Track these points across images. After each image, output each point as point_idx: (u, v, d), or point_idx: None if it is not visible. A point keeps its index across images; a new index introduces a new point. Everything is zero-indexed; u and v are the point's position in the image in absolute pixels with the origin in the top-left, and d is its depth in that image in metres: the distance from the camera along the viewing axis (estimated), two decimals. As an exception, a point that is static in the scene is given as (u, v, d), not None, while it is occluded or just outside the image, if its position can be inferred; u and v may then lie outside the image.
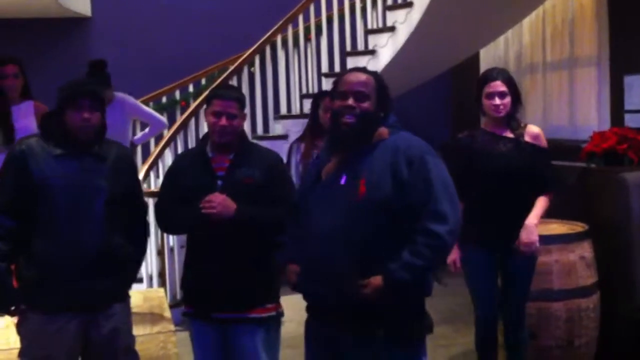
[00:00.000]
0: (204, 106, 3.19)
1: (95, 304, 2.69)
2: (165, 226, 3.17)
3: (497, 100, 3.50)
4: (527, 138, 3.57)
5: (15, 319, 2.78)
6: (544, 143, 3.63)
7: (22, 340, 2.75)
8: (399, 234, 2.34)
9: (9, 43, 7.15)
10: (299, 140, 4.27)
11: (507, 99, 3.52)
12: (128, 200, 2.79)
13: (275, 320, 3.00)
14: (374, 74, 2.58)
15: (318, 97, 4.33)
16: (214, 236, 2.87)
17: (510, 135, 3.58)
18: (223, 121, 2.87)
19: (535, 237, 3.51)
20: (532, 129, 3.62)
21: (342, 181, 2.44)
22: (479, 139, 3.61)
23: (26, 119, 4.35)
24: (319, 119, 4.27)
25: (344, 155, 2.49)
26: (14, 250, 2.63)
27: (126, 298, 2.87)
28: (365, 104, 2.46)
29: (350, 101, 2.46)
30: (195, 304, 2.99)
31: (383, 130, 2.50)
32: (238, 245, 2.86)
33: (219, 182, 2.89)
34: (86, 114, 2.66)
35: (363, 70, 2.59)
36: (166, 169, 6.00)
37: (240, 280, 2.86)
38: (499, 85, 3.51)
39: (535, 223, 3.52)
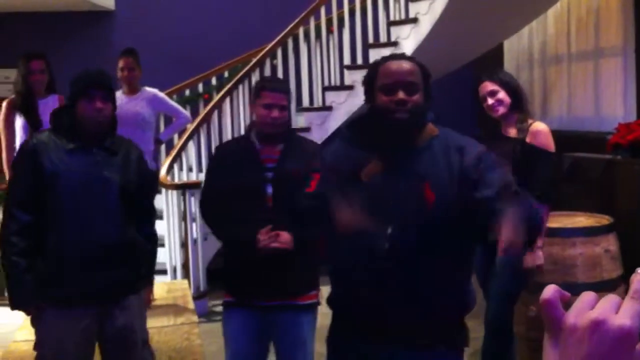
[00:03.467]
0: (251, 97, 3.11)
1: (110, 295, 2.70)
2: (212, 228, 3.12)
3: (489, 100, 3.48)
4: (529, 137, 3.45)
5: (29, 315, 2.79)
6: (545, 142, 3.45)
7: (37, 333, 2.75)
8: (471, 243, 2.22)
9: (33, 36, 7.22)
10: None
11: (500, 95, 3.46)
12: (141, 196, 2.80)
13: (316, 309, 3.02)
14: (415, 60, 2.27)
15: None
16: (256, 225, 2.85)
17: (513, 133, 3.48)
18: (275, 113, 2.86)
19: (540, 262, 3.44)
20: (536, 126, 3.48)
21: (403, 185, 2.13)
22: (482, 140, 3.53)
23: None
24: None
25: (393, 155, 2.19)
26: (32, 246, 2.63)
27: (140, 291, 2.86)
28: (417, 97, 2.16)
29: (401, 94, 2.14)
30: (239, 292, 2.96)
31: (432, 127, 2.24)
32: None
33: (269, 174, 2.86)
34: (99, 104, 2.65)
35: (404, 57, 2.30)
36: (189, 162, 6.10)
37: (287, 267, 2.85)
38: (487, 86, 3.49)
39: (540, 246, 3.43)
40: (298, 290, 2.92)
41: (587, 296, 0.65)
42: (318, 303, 3.01)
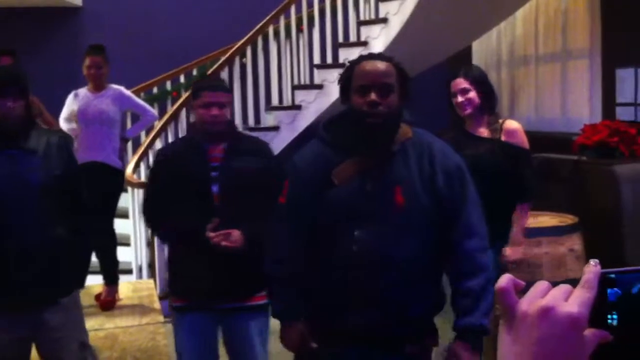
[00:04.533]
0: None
1: (37, 299, 2.60)
2: (154, 228, 3.09)
3: (459, 98, 3.43)
4: (503, 136, 3.45)
5: None
6: (521, 140, 3.47)
7: None
8: (441, 248, 2.21)
9: (2, 32, 7.09)
10: None
11: (470, 95, 3.42)
12: (65, 190, 2.68)
13: (268, 309, 2.94)
14: (392, 60, 2.22)
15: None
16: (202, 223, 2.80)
17: (486, 134, 3.46)
18: (215, 111, 2.84)
19: (519, 256, 3.48)
20: (509, 124, 3.49)
21: (373, 189, 2.15)
22: (450, 139, 3.51)
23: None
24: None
25: (366, 158, 2.19)
26: None
27: (72, 292, 2.77)
28: (390, 98, 2.13)
29: (373, 96, 2.11)
30: (189, 296, 2.90)
31: (406, 128, 2.23)
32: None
33: (214, 173, 2.83)
34: (10, 103, 2.54)
35: (380, 57, 2.25)
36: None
37: (237, 269, 2.81)
38: (460, 83, 3.44)
39: (522, 241, 3.48)
40: (248, 291, 2.87)
41: (541, 285, 0.68)
42: (268, 304, 2.90)
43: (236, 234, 2.74)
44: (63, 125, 4.87)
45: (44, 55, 7.27)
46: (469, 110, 3.45)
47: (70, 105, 4.85)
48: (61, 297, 2.67)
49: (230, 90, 3.00)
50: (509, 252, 3.46)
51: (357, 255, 2.13)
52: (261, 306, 2.90)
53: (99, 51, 4.89)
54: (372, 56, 2.27)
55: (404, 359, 2.23)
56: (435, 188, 2.15)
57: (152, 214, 2.98)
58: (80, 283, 2.88)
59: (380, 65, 2.17)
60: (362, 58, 2.26)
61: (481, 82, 3.49)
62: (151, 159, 6.04)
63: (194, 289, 2.88)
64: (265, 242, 2.44)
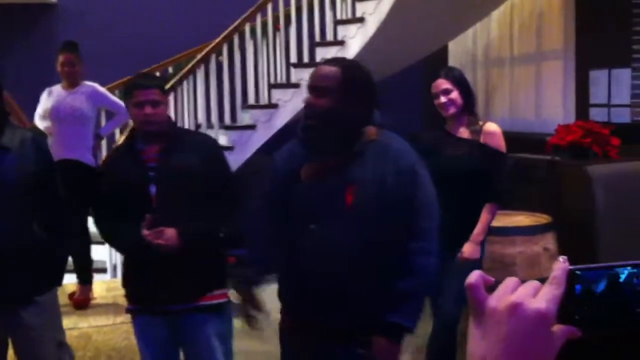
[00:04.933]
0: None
1: (13, 298, 2.58)
2: (107, 241, 3.04)
3: (442, 98, 3.45)
4: (482, 138, 3.48)
5: None
6: (499, 144, 3.50)
7: None
8: (389, 247, 2.27)
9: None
10: None
11: (453, 95, 3.45)
12: (41, 188, 2.66)
13: (227, 308, 2.89)
14: (346, 65, 2.33)
15: None
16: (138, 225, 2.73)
17: (466, 134, 3.49)
18: (148, 109, 2.73)
19: (477, 255, 3.48)
20: (489, 127, 3.52)
21: (328, 187, 2.26)
22: (432, 139, 3.51)
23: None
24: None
25: (328, 157, 2.30)
26: None
27: (50, 290, 2.75)
28: (323, 101, 2.23)
29: (309, 98, 2.26)
30: (140, 299, 2.85)
31: (371, 130, 2.31)
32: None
33: (151, 174, 2.74)
34: None
35: (334, 61, 2.36)
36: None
37: (187, 269, 2.74)
38: (442, 83, 3.47)
39: (481, 240, 3.48)
40: (200, 291, 2.80)
41: (510, 281, 0.69)
42: (227, 302, 2.88)
43: (170, 231, 2.65)
44: (38, 123, 4.82)
45: (18, 52, 7.18)
46: (452, 111, 3.47)
47: (44, 102, 4.80)
48: (38, 295, 2.64)
49: (161, 86, 2.88)
50: (466, 249, 3.46)
51: (311, 250, 2.26)
52: (216, 306, 2.82)
53: (72, 48, 4.85)
54: (328, 61, 2.38)
55: (354, 352, 2.31)
56: (386, 189, 2.23)
57: (101, 229, 2.89)
58: (58, 281, 2.85)
59: (324, 69, 2.28)
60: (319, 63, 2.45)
61: (462, 82, 3.52)
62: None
63: (143, 291, 2.81)
64: (243, 235, 2.51)
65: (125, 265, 2.94)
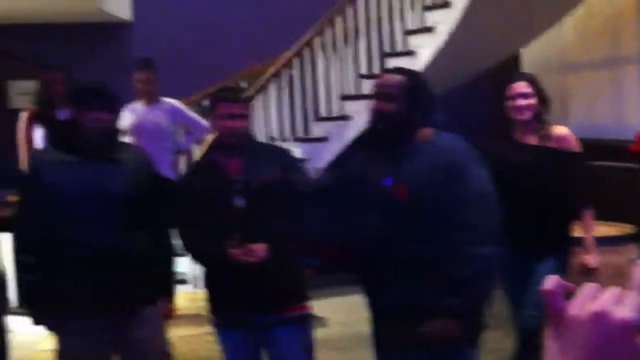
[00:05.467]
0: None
1: (122, 306, 2.68)
2: (193, 256, 3.04)
3: (520, 101, 3.34)
4: (554, 143, 3.37)
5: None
6: (573, 145, 3.40)
7: (57, 345, 2.74)
8: (442, 239, 2.39)
9: (52, 47, 7.27)
10: None
11: (532, 101, 3.35)
12: (148, 201, 2.76)
13: (310, 320, 2.93)
14: (408, 73, 2.57)
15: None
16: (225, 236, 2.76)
17: (534, 141, 3.38)
18: (232, 122, 2.78)
19: (598, 263, 3.44)
20: (560, 130, 3.41)
21: (384, 183, 2.44)
22: (498, 147, 3.38)
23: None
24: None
25: (384, 156, 2.51)
26: (40, 261, 2.62)
27: (157, 302, 2.83)
28: (390, 106, 2.47)
29: (375, 104, 2.50)
30: (229, 312, 2.88)
31: (426, 132, 2.49)
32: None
33: (238, 187, 2.78)
34: (98, 114, 2.64)
35: (397, 70, 2.60)
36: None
37: (273, 281, 2.77)
38: (521, 87, 3.36)
39: (594, 246, 3.45)
40: (285, 302, 2.83)
41: (589, 288, 0.65)
42: (310, 314, 2.91)
43: (259, 247, 2.69)
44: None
45: (95, 70, 7.40)
46: (526, 116, 3.37)
47: (126, 119, 4.95)
48: (145, 306, 2.74)
49: (246, 100, 2.95)
50: (589, 258, 3.41)
51: (379, 245, 2.48)
52: (300, 317, 2.85)
53: (148, 65, 4.99)
54: (391, 69, 2.68)
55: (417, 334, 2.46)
56: (435, 185, 2.40)
57: (185, 242, 2.92)
58: (167, 292, 2.93)
59: (389, 77, 2.54)
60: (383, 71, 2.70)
61: (541, 89, 3.44)
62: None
63: (229, 304, 2.85)
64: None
65: (209, 277, 2.96)
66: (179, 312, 4.39)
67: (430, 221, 2.40)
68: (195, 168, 3.12)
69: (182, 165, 6.28)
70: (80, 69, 6.62)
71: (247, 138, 2.89)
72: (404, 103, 2.46)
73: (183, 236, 2.92)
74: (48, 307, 2.65)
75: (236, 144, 2.82)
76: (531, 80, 3.45)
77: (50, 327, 2.75)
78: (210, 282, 2.93)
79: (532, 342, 3.54)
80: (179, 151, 5.28)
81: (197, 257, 3.01)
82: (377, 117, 2.50)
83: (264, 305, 2.79)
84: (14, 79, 7.57)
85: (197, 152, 6.10)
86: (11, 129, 4.71)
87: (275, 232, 2.74)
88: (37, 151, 2.76)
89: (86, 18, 7.55)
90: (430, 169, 2.42)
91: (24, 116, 4.57)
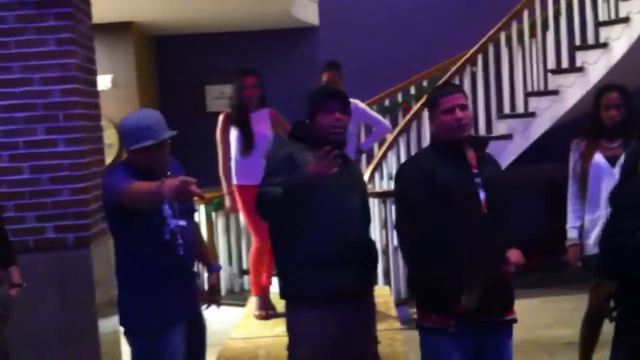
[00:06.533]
0: (426, 111, 3.15)
1: (357, 294, 2.86)
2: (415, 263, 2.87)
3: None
4: None
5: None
6: None
7: (292, 333, 2.89)
8: None
9: (245, 53, 7.75)
10: (580, 137, 3.96)
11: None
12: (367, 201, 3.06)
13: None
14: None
15: (597, 96, 4.06)
16: (469, 234, 2.68)
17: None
18: (458, 114, 2.74)
19: None
20: None
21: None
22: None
23: (262, 125, 4.70)
24: (600, 117, 3.95)
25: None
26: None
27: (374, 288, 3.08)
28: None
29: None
30: (456, 315, 2.66)
31: None
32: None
33: (477, 180, 2.73)
34: (337, 115, 2.84)
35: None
36: (389, 170, 6.21)
37: (502, 283, 2.69)
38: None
39: None
40: (508, 304, 2.77)
41: None
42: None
43: (515, 254, 2.69)
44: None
45: (284, 74, 7.78)
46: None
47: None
48: (370, 294, 2.98)
49: (464, 91, 2.97)
50: None
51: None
52: (511, 321, 2.79)
53: (334, 67, 5.16)
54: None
55: None
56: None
57: (416, 254, 2.78)
58: (376, 280, 3.19)
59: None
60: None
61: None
62: (384, 170, 6.23)
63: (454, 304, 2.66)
64: None
65: (432, 271, 2.71)
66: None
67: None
68: (421, 159, 2.93)
69: (363, 164, 6.43)
70: (271, 73, 7.00)
71: (471, 129, 2.89)
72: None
73: (418, 252, 2.76)
74: None
75: (464, 137, 2.78)
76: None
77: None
78: (435, 273, 2.67)
79: None
80: (361, 150, 5.40)
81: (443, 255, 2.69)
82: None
83: (494, 307, 2.71)
84: (212, 84, 8.15)
85: (377, 151, 6.22)
86: (210, 131, 5.06)
87: (513, 231, 2.77)
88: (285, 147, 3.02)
89: (277, 25, 7.95)
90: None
91: (221, 118, 4.89)
